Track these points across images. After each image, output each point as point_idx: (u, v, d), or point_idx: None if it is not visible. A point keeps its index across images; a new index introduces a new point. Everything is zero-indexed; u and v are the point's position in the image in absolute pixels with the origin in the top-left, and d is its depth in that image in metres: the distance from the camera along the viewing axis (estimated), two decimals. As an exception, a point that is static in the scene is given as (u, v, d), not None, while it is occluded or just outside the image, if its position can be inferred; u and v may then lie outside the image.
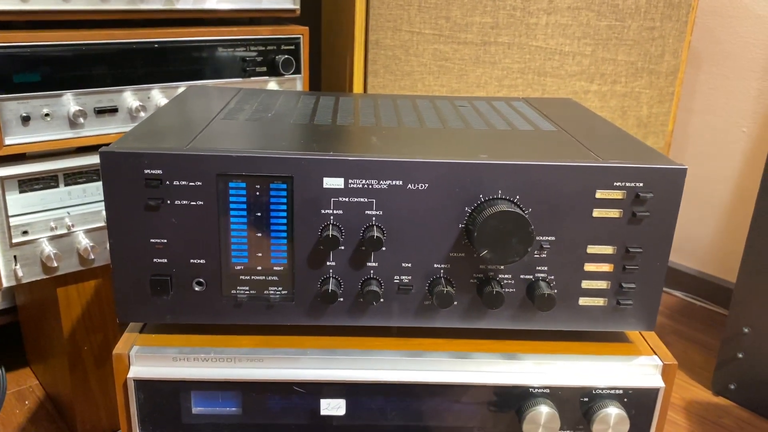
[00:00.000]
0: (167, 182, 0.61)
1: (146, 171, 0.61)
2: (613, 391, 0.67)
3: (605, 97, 1.32)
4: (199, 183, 0.61)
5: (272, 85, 1.23)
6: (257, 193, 0.63)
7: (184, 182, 0.61)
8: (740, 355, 1.39)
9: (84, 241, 1.09)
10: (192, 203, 0.62)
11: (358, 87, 1.30)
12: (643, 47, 1.29)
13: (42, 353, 1.36)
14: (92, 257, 1.10)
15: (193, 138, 0.65)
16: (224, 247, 0.64)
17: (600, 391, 0.67)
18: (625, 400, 0.67)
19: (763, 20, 1.58)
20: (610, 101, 1.32)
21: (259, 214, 0.63)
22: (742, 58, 1.63)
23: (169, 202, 0.62)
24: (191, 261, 0.64)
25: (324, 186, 0.62)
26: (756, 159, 1.64)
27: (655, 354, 0.69)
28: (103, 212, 1.10)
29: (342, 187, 0.62)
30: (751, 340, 1.36)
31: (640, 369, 0.68)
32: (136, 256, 0.63)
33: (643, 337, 0.72)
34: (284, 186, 0.63)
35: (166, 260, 0.64)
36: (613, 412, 0.66)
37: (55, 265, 1.07)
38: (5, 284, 1.05)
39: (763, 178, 1.30)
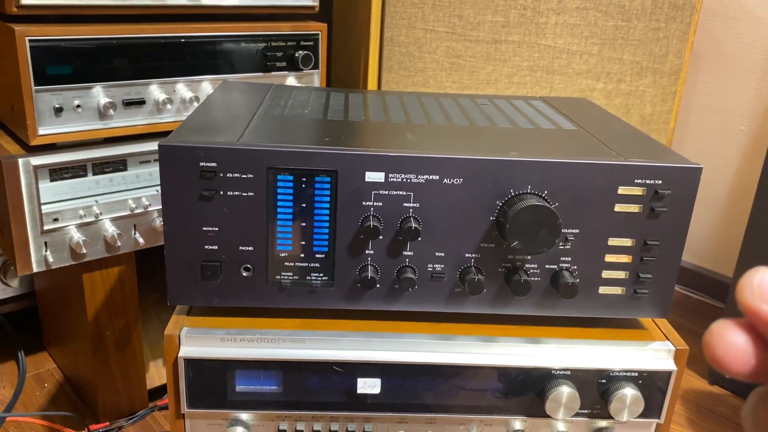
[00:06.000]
0: (221, 174, 0.65)
1: (202, 164, 0.65)
2: (629, 374, 0.72)
3: (610, 95, 1.37)
4: (250, 175, 0.65)
5: (291, 79, 1.27)
6: (303, 186, 0.67)
7: (236, 174, 0.65)
8: (736, 346, 1.44)
9: (111, 229, 1.13)
10: (243, 194, 0.66)
11: (372, 82, 1.34)
12: (648, 47, 1.34)
13: (62, 337, 1.40)
14: (118, 244, 1.13)
15: (242, 133, 0.69)
16: (271, 235, 0.68)
17: (617, 374, 0.72)
18: (640, 382, 0.72)
19: (763, 21, 1.63)
20: (615, 99, 1.37)
21: (304, 205, 0.68)
22: (742, 58, 1.68)
23: (221, 192, 0.66)
24: (240, 248, 0.68)
25: (366, 180, 0.67)
26: (754, 157, 1.70)
27: (668, 339, 0.74)
28: (129, 201, 1.14)
29: (383, 180, 0.67)
30: (746, 331, 1.42)
31: (654, 353, 0.73)
32: (188, 242, 0.68)
33: (656, 324, 0.77)
34: (328, 179, 0.67)
35: (216, 247, 0.68)
36: (629, 393, 0.71)
37: (84, 251, 1.10)
38: (35, 269, 1.09)
39: (762, 175, 1.35)
